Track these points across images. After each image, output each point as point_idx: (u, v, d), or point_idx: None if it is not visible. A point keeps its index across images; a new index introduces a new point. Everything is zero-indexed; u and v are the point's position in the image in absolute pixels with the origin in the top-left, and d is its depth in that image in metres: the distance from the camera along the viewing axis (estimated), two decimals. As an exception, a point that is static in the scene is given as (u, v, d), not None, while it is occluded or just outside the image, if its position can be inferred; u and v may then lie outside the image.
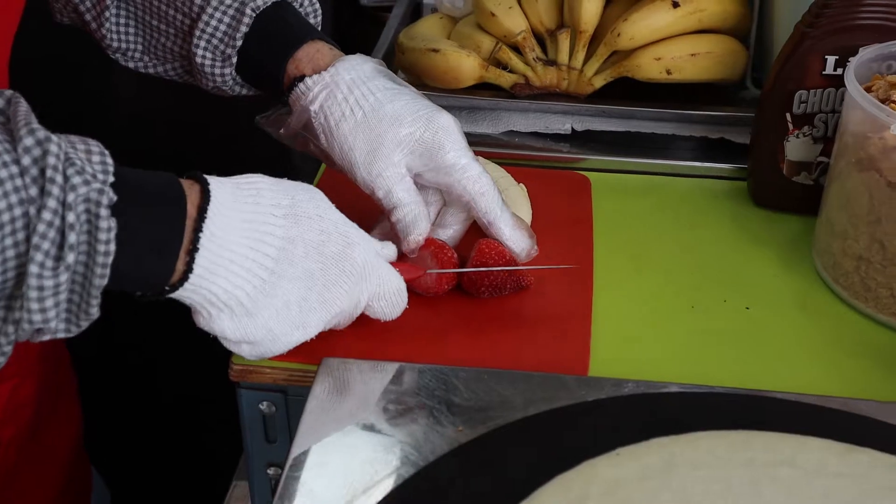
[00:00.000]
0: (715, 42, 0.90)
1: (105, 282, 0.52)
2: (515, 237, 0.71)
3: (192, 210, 0.55)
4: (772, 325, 0.71)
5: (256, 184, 0.60)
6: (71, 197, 0.49)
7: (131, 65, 0.78)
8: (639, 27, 0.88)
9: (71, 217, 0.49)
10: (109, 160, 0.52)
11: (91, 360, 1.02)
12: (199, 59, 0.72)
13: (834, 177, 0.74)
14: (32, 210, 0.49)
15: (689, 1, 0.88)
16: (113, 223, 0.51)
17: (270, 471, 0.72)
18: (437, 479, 0.54)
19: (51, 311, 0.51)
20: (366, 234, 0.66)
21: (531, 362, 0.66)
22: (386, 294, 0.66)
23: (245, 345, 0.62)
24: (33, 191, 0.48)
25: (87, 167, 0.51)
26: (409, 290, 0.70)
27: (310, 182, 0.85)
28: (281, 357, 0.66)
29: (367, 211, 0.74)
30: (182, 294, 0.57)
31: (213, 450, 1.09)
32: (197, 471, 1.21)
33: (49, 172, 0.49)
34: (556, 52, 0.91)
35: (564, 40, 0.90)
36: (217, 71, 0.73)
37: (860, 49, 0.74)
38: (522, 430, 0.57)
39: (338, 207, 0.77)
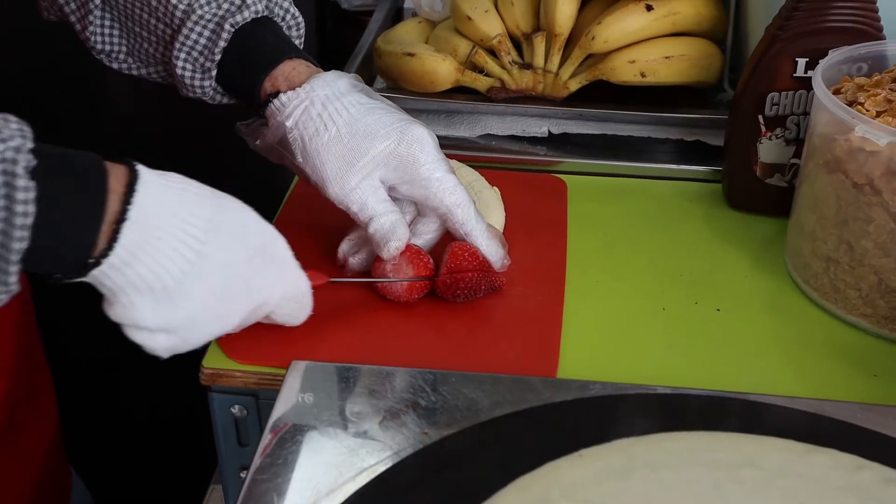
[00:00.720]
0: (689, 45, 0.91)
1: (25, 245, 0.51)
2: (491, 248, 0.72)
3: (117, 185, 0.55)
4: (742, 326, 0.71)
5: (180, 175, 0.60)
6: None
7: (115, 66, 0.79)
8: (612, 30, 0.88)
9: None
10: (27, 128, 0.52)
11: (68, 364, 1.02)
12: (179, 71, 0.73)
13: (803, 178, 0.74)
14: None
15: (663, 4, 0.89)
16: (32, 185, 0.51)
17: (243, 474, 0.72)
18: (400, 481, 0.54)
19: None
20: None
21: (501, 365, 0.66)
22: (296, 296, 0.66)
23: (162, 334, 0.60)
24: None
25: (4, 131, 0.51)
26: (380, 294, 0.71)
27: (282, 194, 0.86)
28: (251, 360, 0.66)
29: (337, 227, 0.75)
30: (104, 272, 0.55)
31: (193, 453, 1.09)
32: (177, 474, 1.21)
33: None
34: (531, 55, 0.92)
35: (540, 44, 0.91)
36: (197, 82, 0.74)
37: (829, 51, 0.74)
38: (486, 432, 0.57)
39: (308, 220, 0.78)
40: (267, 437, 0.59)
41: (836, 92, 0.72)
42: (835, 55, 0.74)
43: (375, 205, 0.70)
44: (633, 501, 0.51)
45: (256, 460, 0.57)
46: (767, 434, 0.57)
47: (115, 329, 0.60)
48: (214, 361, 0.67)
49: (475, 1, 0.93)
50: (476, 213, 0.72)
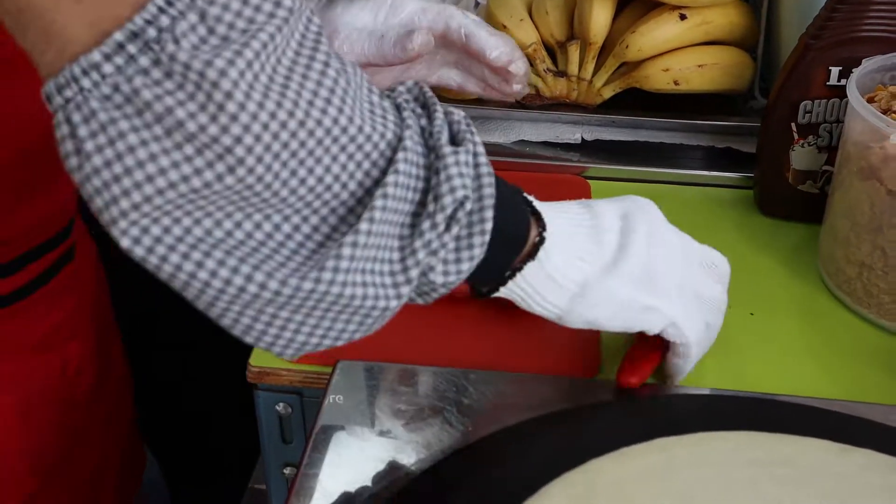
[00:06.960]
0: (722, 53, 0.92)
1: (490, 226, 0.53)
2: (495, 41, 0.77)
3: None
4: (775, 330, 0.73)
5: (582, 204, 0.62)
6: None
7: None
8: (647, 39, 0.90)
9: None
10: None
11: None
12: None
13: (837, 185, 0.75)
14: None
15: (697, 13, 0.90)
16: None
17: (286, 471, 0.74)
18: (445, 478, 0.56)
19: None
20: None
21: (542, 365, 0.67)
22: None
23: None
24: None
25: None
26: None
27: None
28: (297, 359, 0.68)
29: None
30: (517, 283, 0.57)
31: (231, 451, 1.11)
32: (213, 472, 1.23)
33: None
34: (566, 63, 0.93)
35: (574, 52, 0.92)
36: None
37: (863, 60, 0.75)
38: (529, 429, 0.59)
39: None
40: (315, 433, 0.61)
41: (870, 100, 0.73)
42: (868, 64, 0.75)
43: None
44: (674, 497, 0.53)
45: (306, 456, 0.59)
46: (803, 435, 0.58)
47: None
48: (261, 360, 0.69)
49: (510, 10, 0.95)
50: (474, 20, 0.77)
